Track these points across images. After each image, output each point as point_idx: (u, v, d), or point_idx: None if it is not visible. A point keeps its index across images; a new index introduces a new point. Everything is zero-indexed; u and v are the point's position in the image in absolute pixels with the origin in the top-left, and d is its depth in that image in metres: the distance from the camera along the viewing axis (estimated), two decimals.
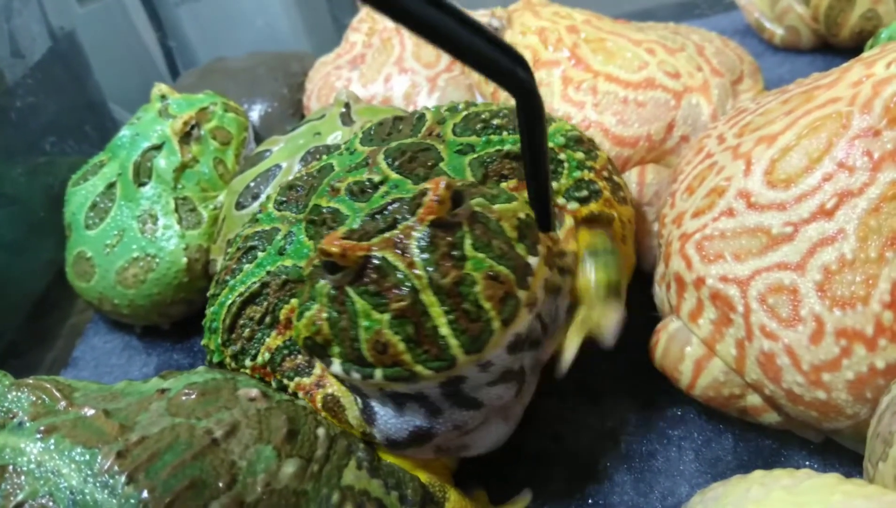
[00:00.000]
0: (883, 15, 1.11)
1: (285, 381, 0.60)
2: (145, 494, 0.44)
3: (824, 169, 0.59)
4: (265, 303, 0.61)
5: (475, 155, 0.64)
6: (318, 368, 0.59)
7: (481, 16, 1.21)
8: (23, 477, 0.44)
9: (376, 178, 0.59)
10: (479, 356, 0.50)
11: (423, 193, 0.51)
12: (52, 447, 0.46)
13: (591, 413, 0.73)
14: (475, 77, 1.09)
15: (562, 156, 0.67)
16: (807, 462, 0.66)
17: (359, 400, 0.57)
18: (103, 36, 1.52)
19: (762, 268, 0.60)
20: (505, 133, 0.67)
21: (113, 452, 0.45)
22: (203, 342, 0.69)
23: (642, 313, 0.74)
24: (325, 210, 0.58)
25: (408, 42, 1.13)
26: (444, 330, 0.49)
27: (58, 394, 0.51)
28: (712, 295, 0.62)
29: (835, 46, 1.21)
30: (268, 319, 0.61)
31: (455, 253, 0.50)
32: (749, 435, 0.69)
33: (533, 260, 0.53)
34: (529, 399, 0.64)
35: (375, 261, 0.50)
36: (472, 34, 0.39)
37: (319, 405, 0.58)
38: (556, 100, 0.93)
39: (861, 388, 0.56)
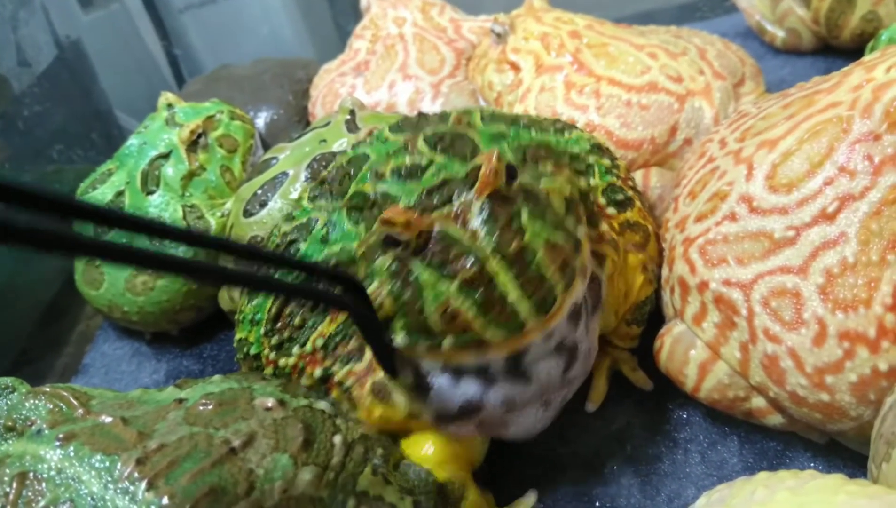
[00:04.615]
0: (883, 17, 1.12)
1: (335, 367, 0.61)
2: (165, 500, 0.44)
3: (825, 173, 0.60)
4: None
5: (510, 142, 0.66)
6: (368, 353, 0.59)
7: (483, 21, 1.22)
8: (44, 484, 0.45)
9: (422, 161, 0.60)
10: (545, 321, 0.52)
11: (478, 168, 0.53)
12: (72, 454, 0.47)
13: (596, 417, 0.74)
14: (478, 83, 1.10)
15: (590, 159, 0.71)
16: (811, 464, 0.66)
17: (411, 376, 0.58)
18: (109, 44, 1.54)
19: (765, 272, 0.60)
20: (533, 131, 0.70)
21: (132, 459, 0.46)
22: (239, 335, 0.69)
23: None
24: (371, 194, 0.59)
25: (411, 48, 1.14)
26: (513, 296, 0.51)
27: (75, 402, 0.52)
28: (716, 299, 0.63)
29: (836, 48, 1.21)
30: (322, 305, 0.61)
31: (514, 224, 0.52)
32: (754, 437, 0.69)
33: (580, 232, 0.57)
34: (570, 396, 0.65)
35: (439, 233, 0.52)
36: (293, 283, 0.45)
37: (367, 390, 0.59)
38: (559, 104, 0.94)
39: (864, 390, 0.56)
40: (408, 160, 0.60)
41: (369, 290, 0.54)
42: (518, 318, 0.51)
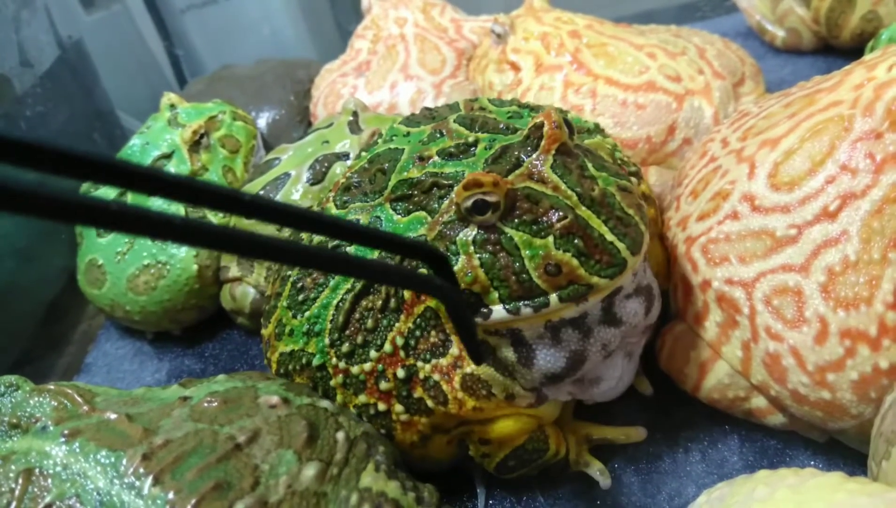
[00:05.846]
0: (883, 16, 1.12)
1: (419, 364, 0.59)
2: (171, 495, 0.45)
3: (827, 172, 0.60)
4: (383, 289, 0.60)
5: (525, 118, 0.66)
6: (454, 347, 0.58)
7: (484, 21, 1.22)
8: (49, 480, 0.46)
9: (468, 139, 0.60)
10: (638, 257, 0.54)
11: (536, 128, 0.55)
12: (77, 449, 0.47)
13: (598, 415, 0.74)
14: (479, 83, 1.10)
15: (597, 137, 0.72)
16: (811, 462, 0.66)
17: (512, 351, 0.58)
18: (111, 44, 1.54)
19: (767, 270, 0.61)
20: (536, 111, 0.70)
21: (138, 454, 0.46)
22: (284, 348, 0.66)
23: None
24: (421, 179, 0.59)
25: (413, 49, 1.15)
26: (610, 236, 0.53)
27: (79, 399, 0.52)
28: (718, 298, 0.63)
29: (836, 48, 1.22)
30: (392, 303, 0.59)
31: (586, 173, 0.55)
32: (754, 436, 0.70)
33: (633, 179, 0.60)
34: (644, 343, 0.66)
35: (523, 193, 0.53)
36: (390, 265, 0.44)
37: (458, 385, 0.58)
38: (556, 104, 0.95)
39: (865, 388, 0.56)
40: (451, 141, 0.61)
41: (456, 268, 0.54)
42: (619, 257, 0.53)
